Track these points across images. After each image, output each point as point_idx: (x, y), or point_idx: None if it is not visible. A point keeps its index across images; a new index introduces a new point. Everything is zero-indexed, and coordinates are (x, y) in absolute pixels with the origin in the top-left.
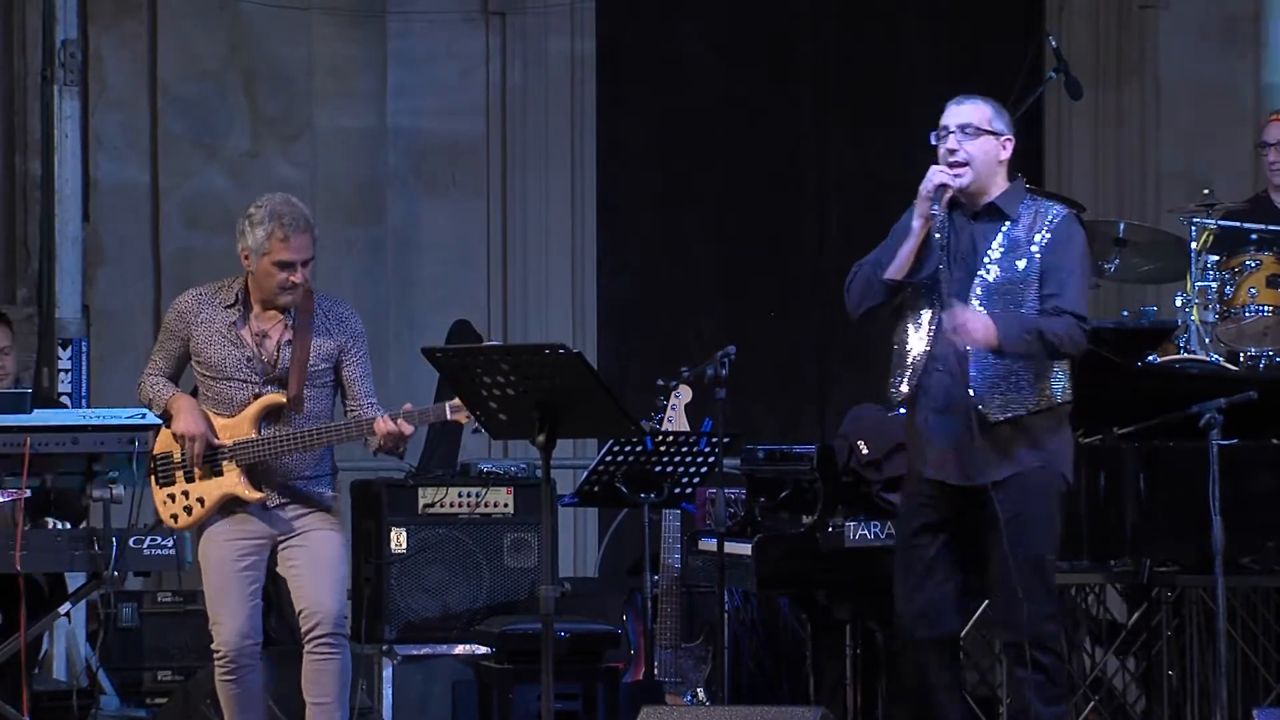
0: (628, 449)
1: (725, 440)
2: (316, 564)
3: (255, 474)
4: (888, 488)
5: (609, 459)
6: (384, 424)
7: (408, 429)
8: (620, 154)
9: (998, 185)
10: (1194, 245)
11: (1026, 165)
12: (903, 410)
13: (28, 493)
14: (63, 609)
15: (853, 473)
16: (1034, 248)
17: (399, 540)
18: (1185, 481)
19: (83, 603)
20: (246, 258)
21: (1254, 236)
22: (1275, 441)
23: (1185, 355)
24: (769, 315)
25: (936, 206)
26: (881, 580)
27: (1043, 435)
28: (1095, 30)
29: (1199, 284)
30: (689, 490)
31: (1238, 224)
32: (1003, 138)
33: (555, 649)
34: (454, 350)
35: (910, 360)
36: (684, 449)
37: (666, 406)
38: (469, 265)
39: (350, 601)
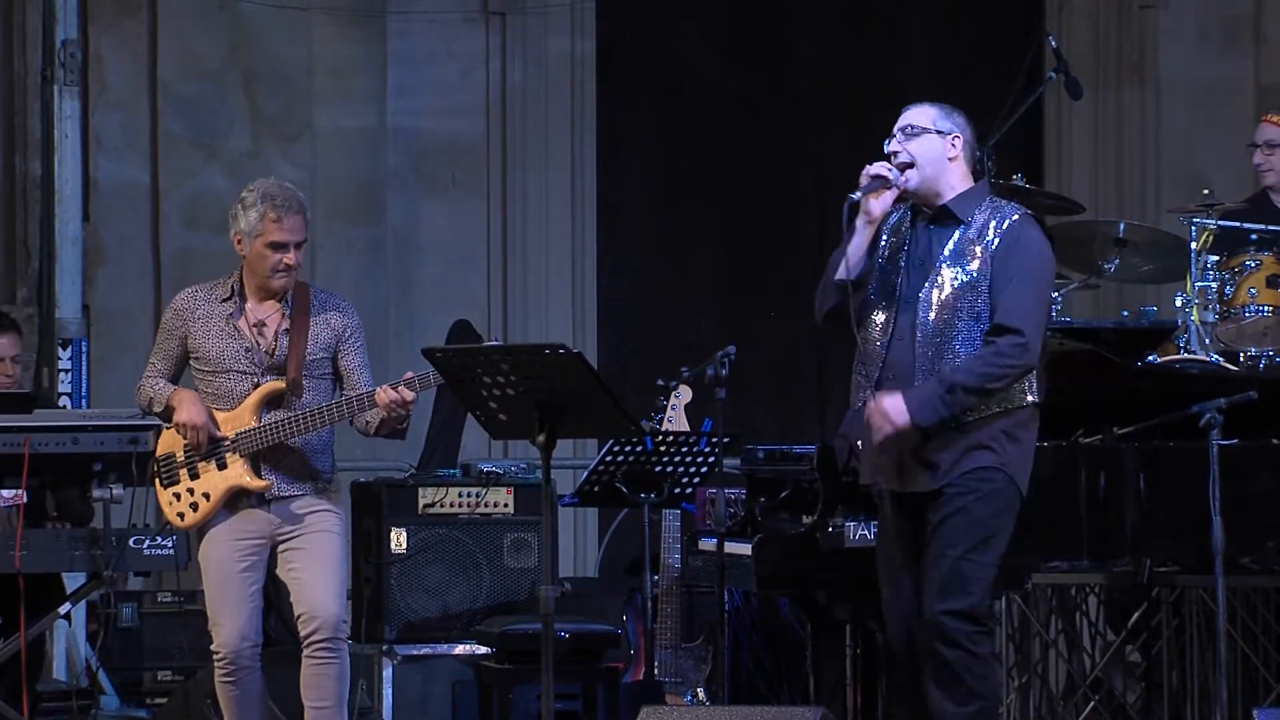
0: (628, 449)
1: (725, 440)
2: (316, 567)
3: (258, 463)
4: None
5: (609, 459)
6: (385, 393)
7: (409, 395)
8: (620, 154)
9: (951, 186)
10: (1194, 245)
11: (1026, 165)
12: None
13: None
14: (63, 609)
15: (853, 473)
16: (985, 250)
17: (399, 540)
18: (1185, 481)
19: (83, 603)
20: (240, 242)
21: (1254, 236)
22: (1275, 441)
23: (1185, 355)
24: (769, 315)
25: (876, 201)
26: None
27: (989, 440)
28: (1095, 30)
29: (1199, 284)
30: (689, 490)
31: (1238, 224)
32: (949, 136)
33: (555, 649)
34: (454, 350)
35: (865, 370)
36: (684, 449)
37: (666, 406)
38: (469, 265)
39: (350, 602)
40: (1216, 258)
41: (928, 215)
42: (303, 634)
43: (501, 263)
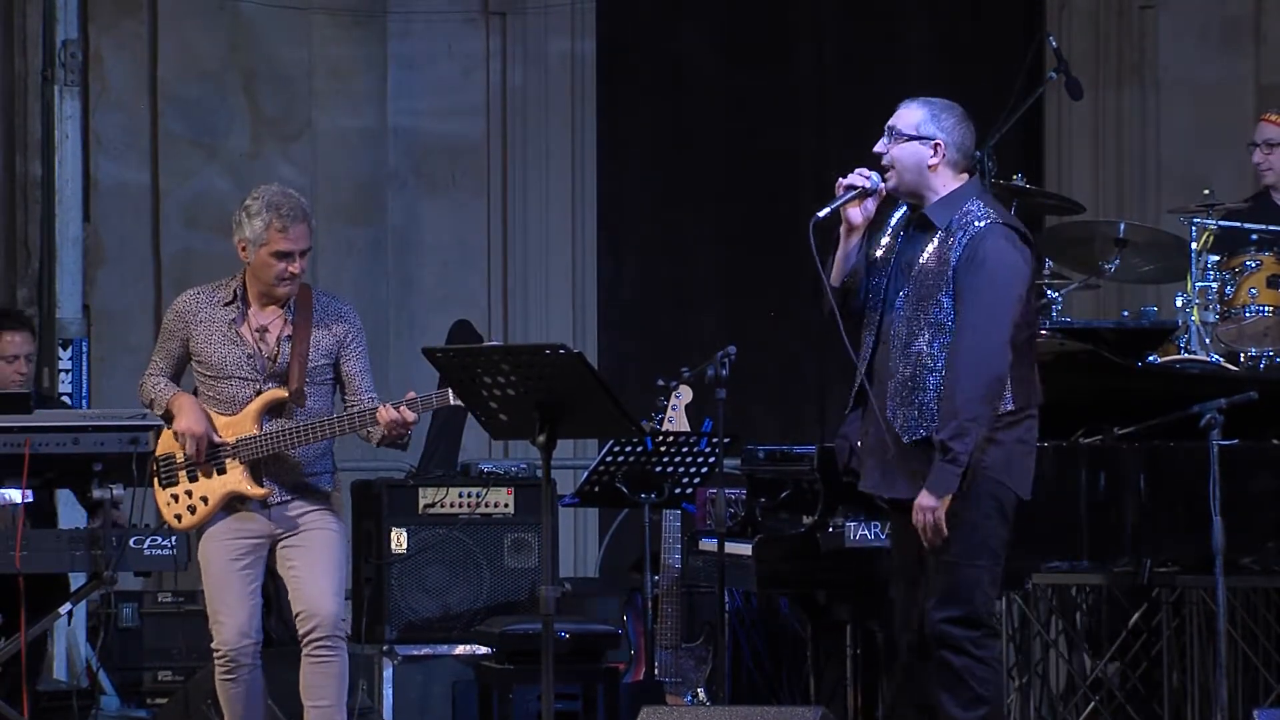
0: (628, 449)
1: (725, 440)
2: (315, 565)
3: (258, 470)
4: None
5: (609, 459)
6: (388, 412)
7: (410, 416)
8: (620, 154)
9: (934, 191)
10: (1194, 245)
11: (1026, 165)
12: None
13: (29, 494)
14: (63, 609)
15: (853, 473)
16: (949, 261)
17: (399, 540)
18: (1185, 481)
19: (83, 603)
20: (244, 249)
21: (1254, 237)
22: (1275, 441)
23: (1185, 355)
24: (769, 315)
25: (856, 209)
26: (881, 580)
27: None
28: (1095, 30)
29: (1199, 284)
30: (689, 490)
31: (1238, 224)
32: (932, 142)
33: (555, 649)
34: (454, 350)
35: (858, 377)
36: (684, 449)
37: (666, 407)
38: (469, 265)
39: (350, 602)
40: (1217, 258)
41: (915, 218)
42: (301, 632)
43: (501, 263)
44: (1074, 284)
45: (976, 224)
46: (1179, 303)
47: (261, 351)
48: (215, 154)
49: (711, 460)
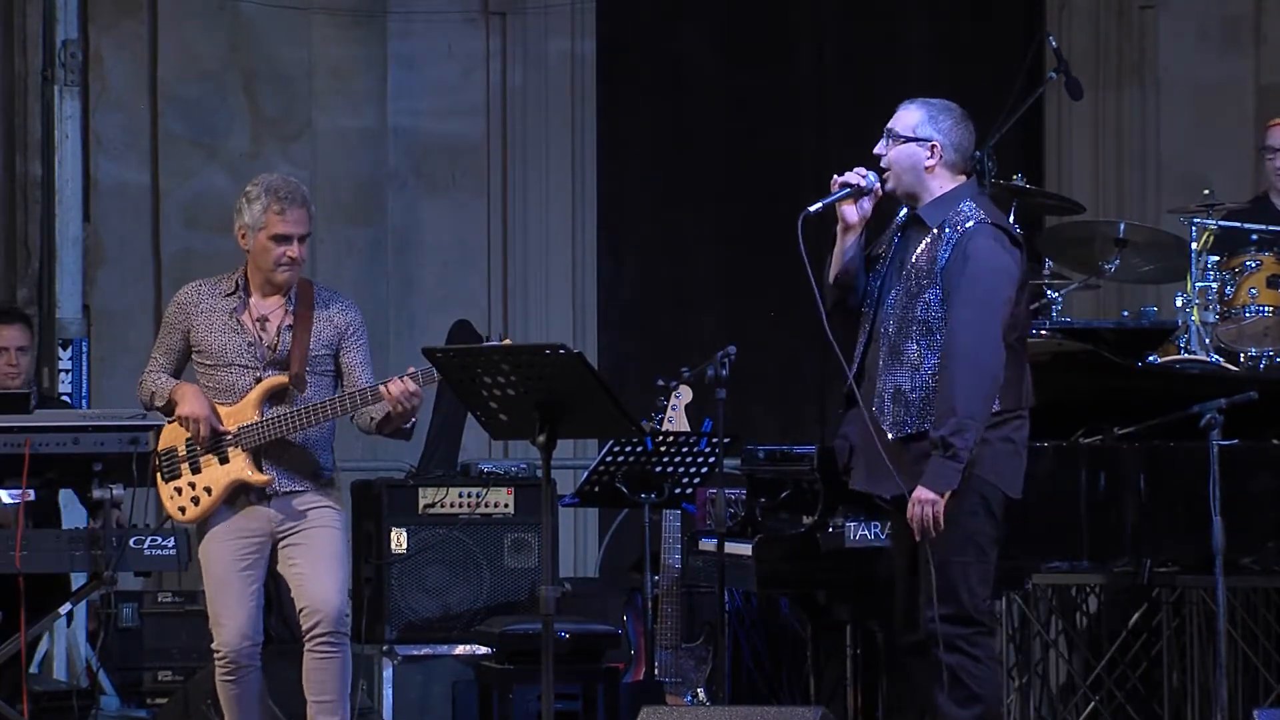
0: (628, 449)
1: (725, 440)
2: (317, 562)
3: (260, 457)
4: None
5: (609, 459)
6: (395, 384)
7: (414, 385)
8: (620, 154)
9: (930, 192)
10: (1194, 245)
11: (1026, 165)
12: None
13: (31, 493)
14: (63, 609)
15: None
16: (938, 262)
17: (399, 541)
18: (1185, 481)
19: (83, 603)
20: (244, 235)
21: (1254, 237)
22: (1275, 441)
23: (1185, 355)
24: (769, 315)
25: (851, 208)
26: (882, 580)
27: None
28: (1095, 30)
29: (1199, 284)
30: (689, 490)
31: (1238, 224)
32: (928, 144)
33: (555, 649)
34: (455, 350)
35: (849, 376)
36: (684, 449)
37: (666, 407)
38: (469, 265)
39: (350, 602)
40: (1217, 258)
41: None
42: (304, 628)
43: (501, 263)
44: (1074, 284)
45: (965, 224)
46: (1179, 303)
47: (262, 340)
48: (215, 154)
49: (711, 460)
